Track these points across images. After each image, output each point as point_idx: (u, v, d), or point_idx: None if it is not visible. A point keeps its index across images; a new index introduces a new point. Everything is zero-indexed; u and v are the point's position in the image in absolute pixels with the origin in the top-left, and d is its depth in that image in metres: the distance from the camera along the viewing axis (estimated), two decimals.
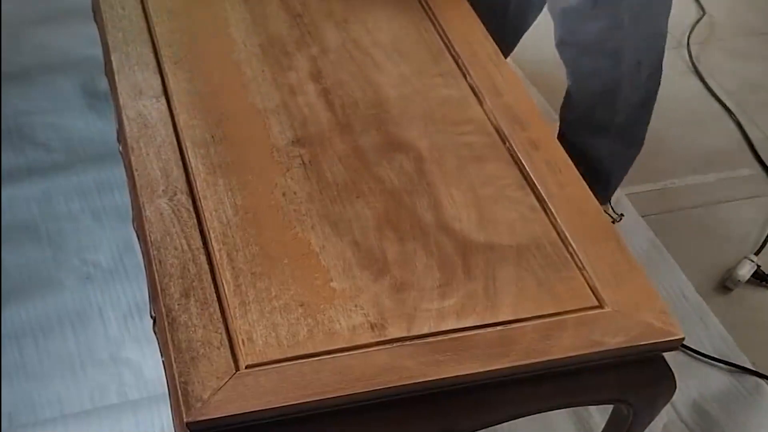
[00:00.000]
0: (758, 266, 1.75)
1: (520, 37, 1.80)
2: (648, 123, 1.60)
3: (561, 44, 1.50)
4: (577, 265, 1.07)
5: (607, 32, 1.43)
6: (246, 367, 0.94)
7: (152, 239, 1.07)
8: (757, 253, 1.78)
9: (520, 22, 1.75)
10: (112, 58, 1.34)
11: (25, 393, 1.46)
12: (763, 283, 1.74)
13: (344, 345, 0.97)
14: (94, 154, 1.85)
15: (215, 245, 1.06)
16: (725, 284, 1.74)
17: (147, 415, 1.43)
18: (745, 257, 1.76)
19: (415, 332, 0.98)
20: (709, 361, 1.55)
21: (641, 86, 1.53)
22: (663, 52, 1.52)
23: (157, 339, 1.06)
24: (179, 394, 0.91)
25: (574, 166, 1.20)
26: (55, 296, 1.60)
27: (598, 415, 1.45)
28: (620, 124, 1.55)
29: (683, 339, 1.01)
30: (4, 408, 1.44)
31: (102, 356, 1.52)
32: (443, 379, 0.95)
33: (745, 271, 1.73)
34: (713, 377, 1.57)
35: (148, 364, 1.49)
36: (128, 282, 1.62)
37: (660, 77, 1.55)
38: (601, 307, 1.03)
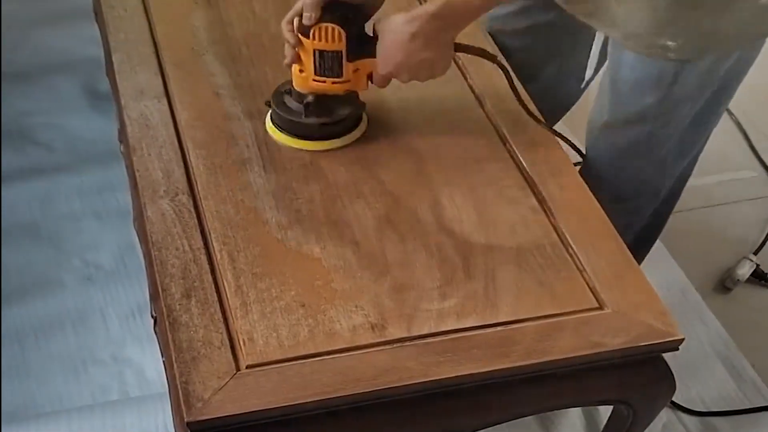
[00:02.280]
0: (757, 265, 1.75)
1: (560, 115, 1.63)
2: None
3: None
4: (577, 266, 1.07)
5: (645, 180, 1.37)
6: (246, 367, 0.94)
7: (153, 240, 1.07)
8: (756, 253, 1.78)
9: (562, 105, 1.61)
10: (114, 58, 1.34)
11: (26, 393, 1.47)
12: (763, 282, 1.74)
13: (345, 345, 0.97)
14: (95, 154, 1.86)
15: (216, 246, 1.07)
16: (725, 284, 1.74)
17: (150, 411, 1.43)
18: (745, 257, 1.76)
19: (415, 332, 0.99)
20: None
21: (660, 215, 1.49)
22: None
23: (158, 339, 1.06)
24: (180, 393, 0.92)
25: (574, 168, 1.20)
26: (56, 296, 1.60)
27: (603, 408, 1.45)
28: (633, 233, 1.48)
29: (683, 340, 1.01)
30: (6, 408, 1.44)
31: (103, 356, 1.52)
32: (443, 379, 0.95)
33: (745, 270, 1.74)
34: (712, 378, 1.57)
35: (149, 364, 1.50)
36: (129, 282, 1.62)
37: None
38: (600, 308, 1.03)
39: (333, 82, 1.15)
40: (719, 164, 2.00)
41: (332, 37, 1.11)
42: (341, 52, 1.12)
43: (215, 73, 1.32)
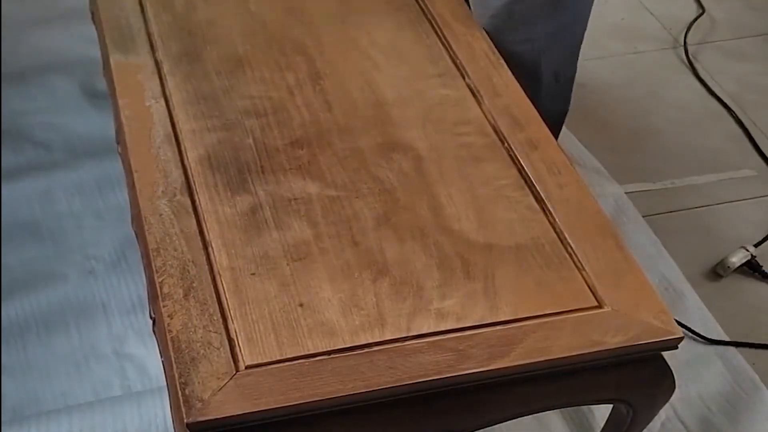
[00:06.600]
0: (753, 256, 1.73)
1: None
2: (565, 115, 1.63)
3: None
4: (576, 265, 1.07)
5: (525, 46, 1.46)
6: (246, 368, 0.94)
7: (151, 240, 1.07)
8: (757, 246, 1.77)
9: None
10: (110, 58, 1.34)
11: (29, 388, 1.47)
12: (756, 273, 1.73)
13: (344, 345, 0.97)
14: (94, 152, 1.86)
15: (215, 246, 1.07)
16: (715, 270, 1.72)
17: (150, 407, 1.43)
18: (741, 246, 1.75)
19: (414, 332, 0.99)
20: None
21: (559, 95, 1.56)
22: (576, 62, 1.55)
23: (157, 339, 1.06)
24: (179, 394, 0.91)
25: (572, 167, 1.20)
26: (58, 291, 1.60)
27: (598, 412, 1.45)
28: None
29: (682, 338, 1.01)
30: (9, 402, 1.44)
31: (105, 351, 1.52)
32: (443, 379, 0.95)
33: (737, 258, 1.72)
34: (712, 376, 1.57)
35: (152, 360, 1.50)
36: (131, 277, 1.62)
37: (572, 84, 1.59)
38: (600, 306, 1.03)
39: None
40: (719, 163, 2.00)
41: None
42: None
43: (213, 73, 1.31)
